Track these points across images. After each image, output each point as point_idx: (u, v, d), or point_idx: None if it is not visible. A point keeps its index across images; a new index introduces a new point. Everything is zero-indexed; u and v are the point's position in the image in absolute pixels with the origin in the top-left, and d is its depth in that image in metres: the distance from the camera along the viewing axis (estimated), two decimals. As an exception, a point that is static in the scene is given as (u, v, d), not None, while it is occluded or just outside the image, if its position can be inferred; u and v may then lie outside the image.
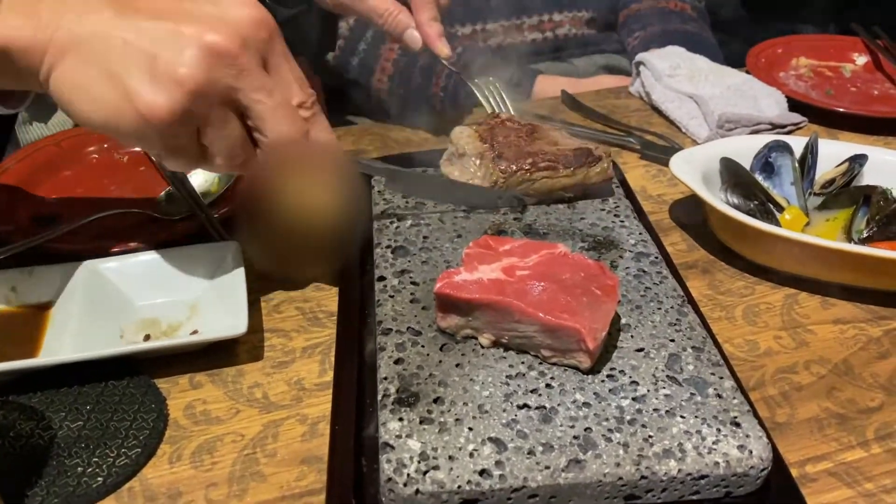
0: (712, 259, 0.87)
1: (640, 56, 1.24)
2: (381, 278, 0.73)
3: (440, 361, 0.63)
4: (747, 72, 1.25)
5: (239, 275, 0.75)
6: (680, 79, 1.20)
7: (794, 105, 1.16)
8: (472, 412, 0.59)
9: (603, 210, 0.84)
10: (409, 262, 0.75)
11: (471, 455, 0.55)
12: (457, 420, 0.58)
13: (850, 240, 0.83)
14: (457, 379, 0.61)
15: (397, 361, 0.63)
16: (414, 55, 1.26)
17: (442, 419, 0.58)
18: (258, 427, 0.66)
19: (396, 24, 0.94)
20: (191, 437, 0.65)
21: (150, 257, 0.78)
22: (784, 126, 1.12)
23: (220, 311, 0.74)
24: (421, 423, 0.58)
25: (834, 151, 0.93)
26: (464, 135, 0.85)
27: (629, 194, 0.88)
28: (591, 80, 1.42)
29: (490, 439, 0.56)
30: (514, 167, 0.81)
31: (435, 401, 0.60)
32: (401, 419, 0.58)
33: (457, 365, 0.63)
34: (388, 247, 0.77)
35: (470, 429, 0.57)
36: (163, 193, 0.92)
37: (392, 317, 0.68)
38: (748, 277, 0.84)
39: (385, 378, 0.62)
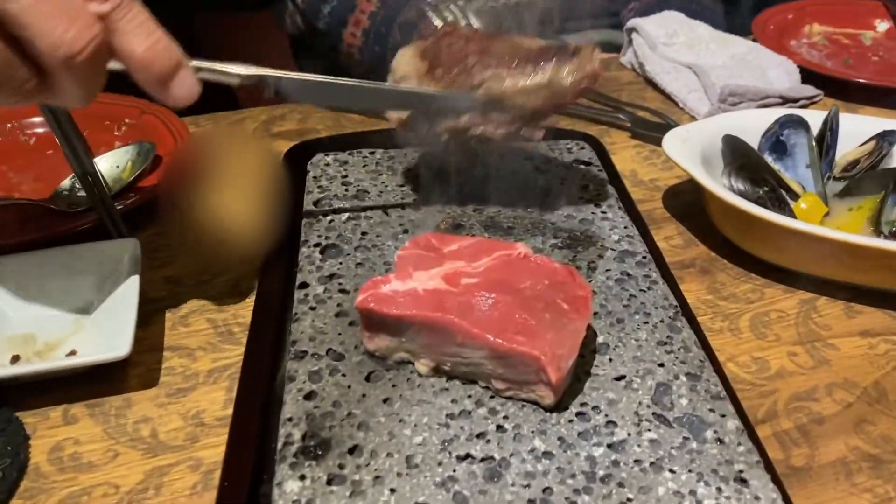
0: (713, 257, 0.73)
1: (631, 22, 1.09)
2: (304, 285, 0.59)
3: (363, 396, 0.49)
4: (754, 40, 1.11)
5: (132, 281, 0.61)
6: (678, 47, 1.05)
7: (808, 76, 1.02)
8: (397, 466, 0.45)
9: (581, 199, 0.70)
10: (341, 264, 0.61)
11: (390, 529, 0.42)
12: (376, 478, 0.44)
13: (878, 233, 0.69)
14: (382, 420, 0.48)
15: (308, 396, 0.49)
16: (395, 8, 1.11)
17: (356, 477, 0.44)
18: (138, 476, 0.52)
19: None
20: (52, 489, 0.51)
21: (31, 259, 0.64)
22: (796, 100, 0.98)
23: (108, 326, 0.60)
24: (329, 482, 0.44)
25: (857, 127, 0.79)
26: (404, 57, 0.67)
27: (614, 180, 0.74)
28: None
29: (418, 505, 0.43)
30: (455, 69, 0.61)
31: (351, 451, 0.46)
32: (302, 477, 0.44)
33: (384, 400, 0.49)
34: (316, 245, 0.63)
35: (392, 490, 0.44)
36: (66, 181, 0.78)
37: (310, 336, 0.54)
38: (756, 279, 0.70)
39: (290, 419, 0.48)
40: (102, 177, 0.76)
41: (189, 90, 0.48)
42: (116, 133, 0.87)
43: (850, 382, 0.60)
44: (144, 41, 0.45)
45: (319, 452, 0.46)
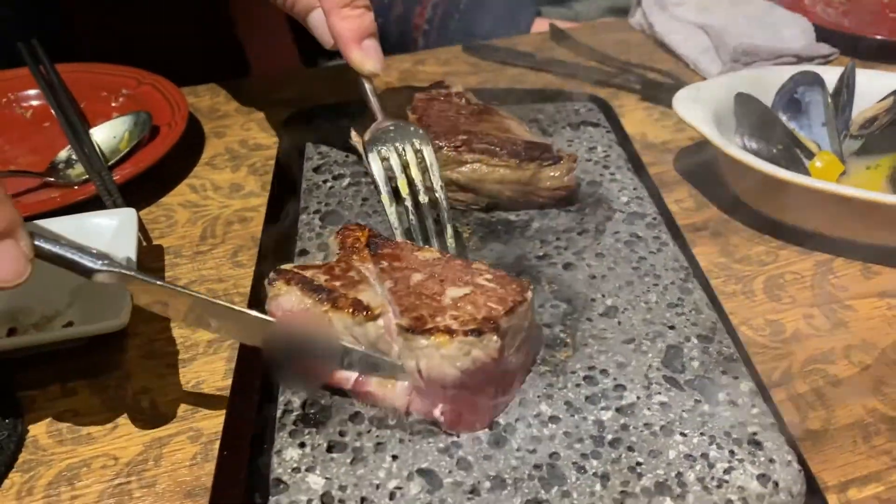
0: (726, 219, 0.71)
1: (640, -19, 1.06)
2: (303, 252, 0.57)
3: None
4: (768, -2, 1.07)
5: (130, 251, 0.60)
6: (688, 6, 1.02)
7: (823, 35, 0.99)
8: (398, 433, 0.44)
9: (589, 161, 0.68)
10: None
11: (391, 496, 0.40)
12: (378, 444, 0.43)
13: (897, 191, 0.67)
14: (384, 386, 0.46)
15: (308, 363, 0.48)
16: None
17: (358, 444, 0.43)
18: (138, 447, 0.51)
19: (293, 6, 0.62)
20: (51, 461, 0.50)
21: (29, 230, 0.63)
22: (811, 59, 0.95)
23: (105, 297, 0.58)
24: (329, 449, 0.43)
25: (875, 84, 0.76)
26: (391, 100, 0.65)
27: (623, 141, 0.72)
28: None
29: (420, 472, 0.42)
30: (441, 143, 0.60)
31: (352, 418, 0.45)
32: (302, 445, 0.43)
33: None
34: (315, 212, 0.62)
35: (394, 457, 0.42)
36: (63, 152, 0.76)
37: (309, 303, 0.52)
38: (770, 241, 0.68)
39: (289, 387, 0.47)
40: (99, 147, 0.75)
41: (8, 267, 0.38)
42: (114, 104, 0.86)
43: (867, 344, 0.58)
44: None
45: (320, 420, 0.44)
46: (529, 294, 0.46)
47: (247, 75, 1.17)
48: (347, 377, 0.46)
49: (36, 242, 0.39)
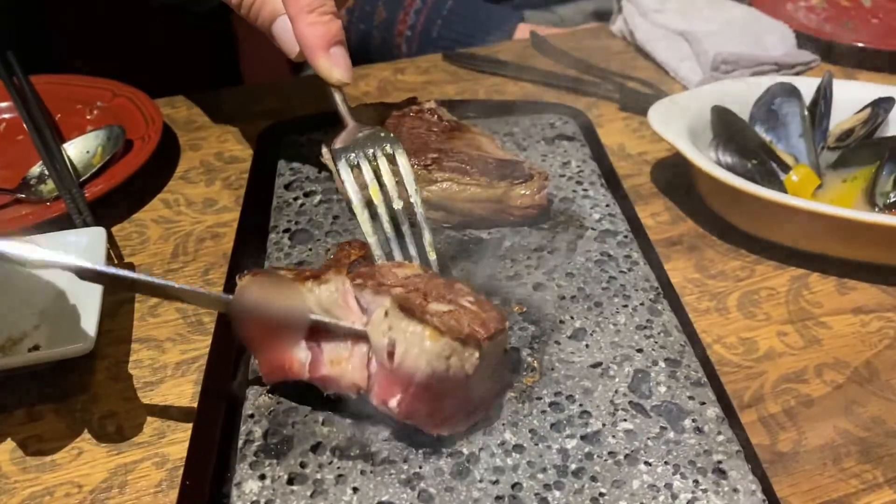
0: (702, 233, 0.70)
1: (622, -13, 1.06)
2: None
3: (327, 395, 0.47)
4: (750, 4, 1.07)
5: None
6: (669, 14, 1.02)
7: (805, 41, 0.98)
8: (360, 464, 0.43)
9: (563, 176, 0.67)
10: (311, 250, 0.59)
11: (351, 530, 0.40)
12: (339, 477, 0.43)
13: (873, 206, 0.67)
14: (346, 419, 0.46)
15: (272, 391, 0.48)
16: None
17: (318, 476, 0.43)
18: (102, 474, 0.50)
19: (258, 14, 0.60)
20: (13, 489, 0.50)
21: None
22: (792, 66, 0.95)
23: (73, 319, 0.58)
24: (290, 482, 0.42)
25: (852, 95, 0.76)
26: (363, 115, 0.63)
27: (599, 155, 0.71)
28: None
29: (381, 504, 0.41)
30: (412, 161, 0.59)
31: (313, 448, 0.44)
32: (262, 476, 0.43)
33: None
34: (285, 231, 0.61)
35: (355, 489, 0.42)
36: (35, 167, 0.76)
37: (275, 327, 0.52)
38: (746, 256, 0.67)
39: (251, 416, 0.46)
40: (71, 162, 0.75)
41: None
42: (88, 116, 0.85)
43: (840, 362, 0.58)
44: None
45: (281, 450, 0.44)
46: (506, 324, 0.46)
47: (239, 84, 1.17)
48: (302, 362, 0.45)
49: None
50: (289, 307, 0.45)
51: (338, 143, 0.56)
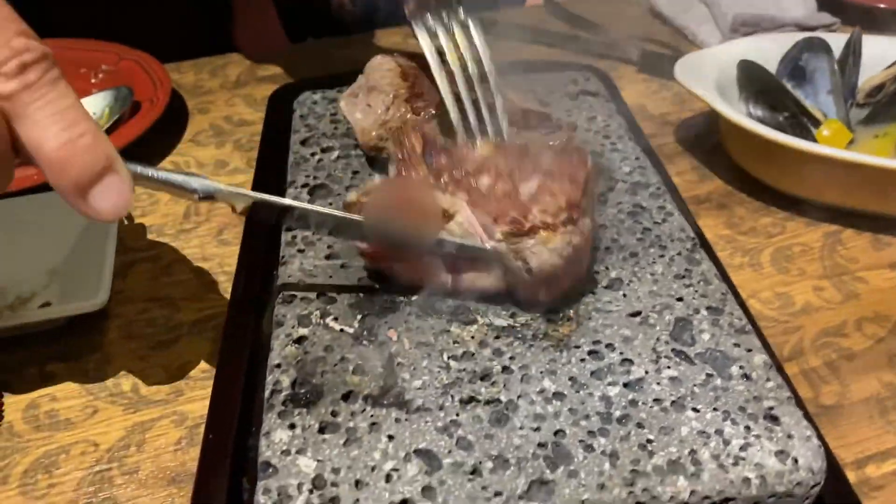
0: (730, 190, 0.68)
1: (637, -48, 1.03)
2: (290, 227, 0.55)
3: (356, 339, 0.45)
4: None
5: (108, 229, 0.57)
6: (685, -23, 0.99)
7: (825, 2, 0.96)
8: (394, 412, 0.41)
9: (589, 131, 0.65)
10: (330, 204, 0.57)
11: (388, 478, 0.38)
12: (372, 425, 0.40)
13: (907, 160, 0.65)
14: (378, 364, 0.44)
15: (298, 341, 0.45)
16: None
17: (351, 424, 0.40)
18: (119, 432, 0.48)
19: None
20: (27, 448, 0.48)
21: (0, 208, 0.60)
22: (813, 28, 0.92)
23: (84, 276, 0.56)
24: (321, 430, 0.40)
25: (882, 50, 0.74)
26: (382, 66, 0.62)
27: (623, 110, 0.69)
28: None
29: (418, 452, 0.39)
30: (434, 111, 0.57)
31: (345, 397, 0.42)
32: (292, 426, 0.40)
33: (381, 344, 0.45)
34: (304, 185, 0.59)
35: (390, 437, 0.40)
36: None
37: (298, 279, 0.50)
38: (777, 212, 0.65)
39: (278, 366, 0.44)
40: (77, 123, 0.72)
41: (114, 203, 0.36)
42: (93, 80, 0.82)
43: (881, 316, 0.56)
44: (60, 133, 0.34)
45: (311, 399, 0.42)
46: (589, 161, 0.48)
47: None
48: (443, 281, 0.47)
49: (133, 167, 0.38)
50: (426, 236, 0.46)
51: (410, 3, 0.54)
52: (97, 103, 0.75)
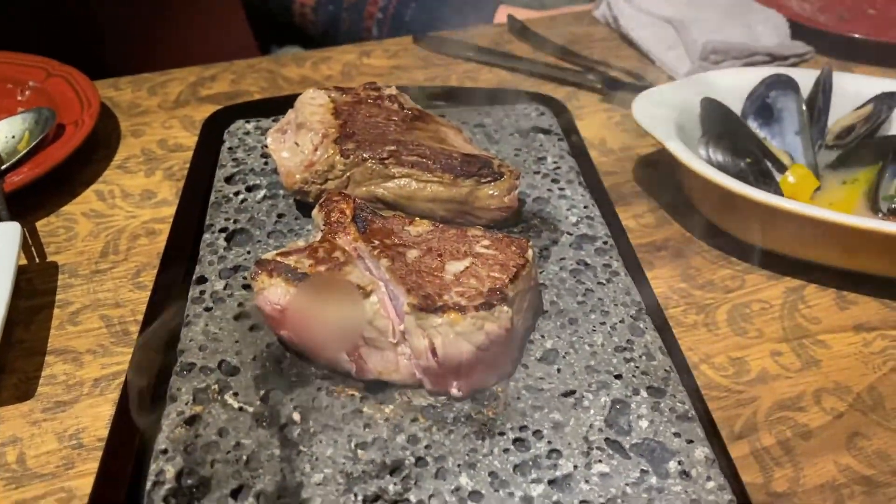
0: (688, 237, 0.64)
1: (606, -29, 0.99)
2: (201, 279, 0.50)
3: (256, 421, 0.41)
4: (741, -10, 1.01)
5: (8, 271, 0.52)
6: (656, -1, 0.95)
7: (799, 32, 0.92)
8: (287, 514, 0.36)
9: (538, 174, 0.60)
10: (248, 253, 0.52)
11: None
12: (261, 529, 0.36)
13: (875, 210, 0.61)
14: (277, 453, 0.39)
15: (190, 421, 0.41)
16: None
17: (237, 528, 0.36)
18: (-4, 514, 0.44)
19: None
20: None
21: None
22: (786, 57, 0.89)
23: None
24: (202, 535, 0.36)
25: (853, 89, 0.70)
26: (314, 101, 0.57)
27: (577, 150, 0.65)
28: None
29: (309, 565, 0.34)
30: (366, 154, 0.53)
31: (234, 493, 0.37)
32: (170, 529, 0.36)
33: (282, 427, 0.40)
34: (222, 230, 0.54)
35: (279, 546, 0.35)
36: (-46, 155, 0.68)
37: (200, 344, 0.45)
38: (737, 263, 0.61)
39: (164, 451, 0.39)
40: (-9, 149, 0.67)
41: None
42: (19, 97, 0.77)
43: (841, 387, 0.52)
44: None
45: (196, 496, 0.37)
46: (530, 254, 0.45)
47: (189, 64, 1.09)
48: (347, 370, 0.43)
49: None
50: (344, 323, 0.42)
51: None
52: (16, 126, 0.70)
